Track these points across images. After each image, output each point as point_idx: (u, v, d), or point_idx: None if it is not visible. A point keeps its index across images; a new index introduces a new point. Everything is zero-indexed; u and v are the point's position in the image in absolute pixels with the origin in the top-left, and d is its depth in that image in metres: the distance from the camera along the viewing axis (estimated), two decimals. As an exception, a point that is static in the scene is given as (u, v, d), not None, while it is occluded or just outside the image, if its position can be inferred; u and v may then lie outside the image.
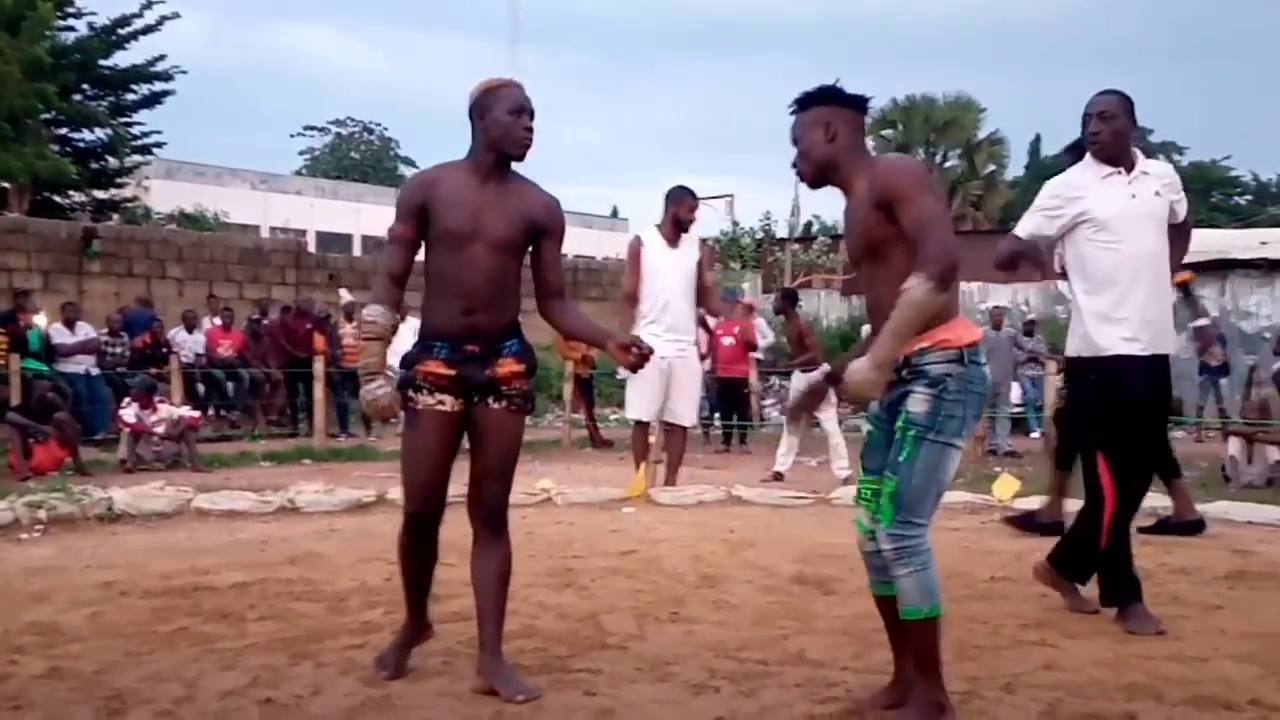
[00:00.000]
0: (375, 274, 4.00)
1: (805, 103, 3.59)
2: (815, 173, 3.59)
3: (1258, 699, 3.70)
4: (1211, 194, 49.28)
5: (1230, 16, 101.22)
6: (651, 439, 8.91)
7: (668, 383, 8.35)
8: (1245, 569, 5.87)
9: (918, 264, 3.24)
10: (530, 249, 3.93)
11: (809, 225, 35.23)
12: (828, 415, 10.27)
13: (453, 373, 3.83)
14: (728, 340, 14.09)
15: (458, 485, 3.90)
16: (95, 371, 13.71)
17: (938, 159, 41.24)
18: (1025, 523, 7.09)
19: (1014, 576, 5.62)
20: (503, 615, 3.95)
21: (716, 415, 14.98)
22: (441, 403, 3.85)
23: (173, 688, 3.82)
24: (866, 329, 3.84)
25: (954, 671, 3.98)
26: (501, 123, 3.79)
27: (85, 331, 13.92)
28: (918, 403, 3.36)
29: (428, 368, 3.85)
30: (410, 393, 3.87)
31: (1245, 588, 5.44)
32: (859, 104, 3.60)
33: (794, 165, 3.63)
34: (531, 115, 3.83)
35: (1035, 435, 15.13)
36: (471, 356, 3.83)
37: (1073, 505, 6.46)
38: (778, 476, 10.30)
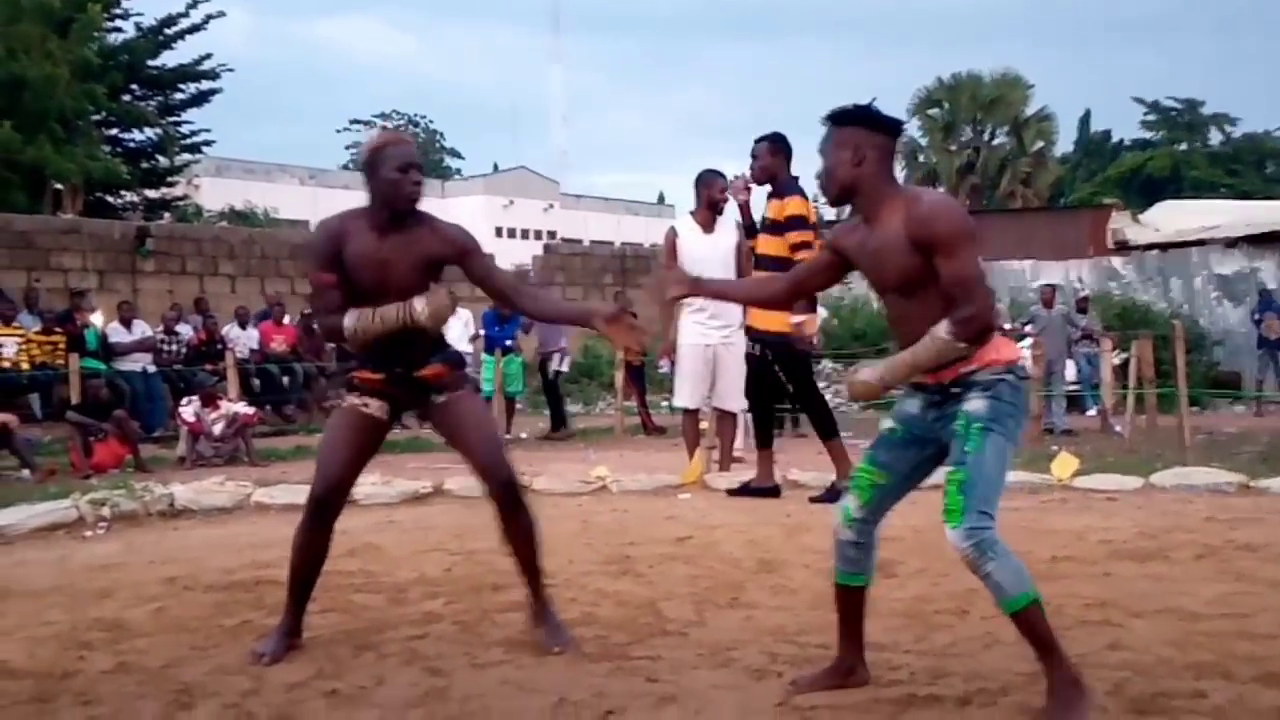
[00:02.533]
0: (319, 319, 4.13)
1: (838, 120, 3.55)
2: (838, 193, 3.57)
3: (1329, 676, 3.64)
4: (1266, 165, 48.58)
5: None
6: (703, 425, 8.90)
7: (714, 369, 8.32)
8: (1313, 544, 5.78)
9: (954, 317, 3.31)
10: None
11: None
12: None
13: (381, 375, 4.10)
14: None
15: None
16: (152, 369, 13.86)
17: (985, 136, 40.88)
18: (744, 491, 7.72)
19: (1076, 556, 5.57)
20: (539, 571, 4.21)
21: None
22: (366, 405, 4.13)
23: (239, 681, 3.84)
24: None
25: (1019, 653, 3.92)
26: (390, 180, 3.98)
27: (141, 330, 14.08)
28: (975, 402, 3.35)
29: (360, 373, 4.14)
30: (343, 391, 4.20)
31: (1314, 563, 5.36)
32: (892, 129, 3.58)
33: (818, 177, 3.62)
34: (420, 169, 4.06)
35: (1091, 413, 15.00)
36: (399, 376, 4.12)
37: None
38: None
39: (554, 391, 14.53)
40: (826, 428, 7.57)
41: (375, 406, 4.14)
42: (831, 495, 7.26)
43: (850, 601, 3.65)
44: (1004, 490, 3.38)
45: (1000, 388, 3.36)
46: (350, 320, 3.99)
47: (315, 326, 15.41)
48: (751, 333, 7.60)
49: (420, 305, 3.95)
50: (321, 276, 4.06)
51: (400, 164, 3.99)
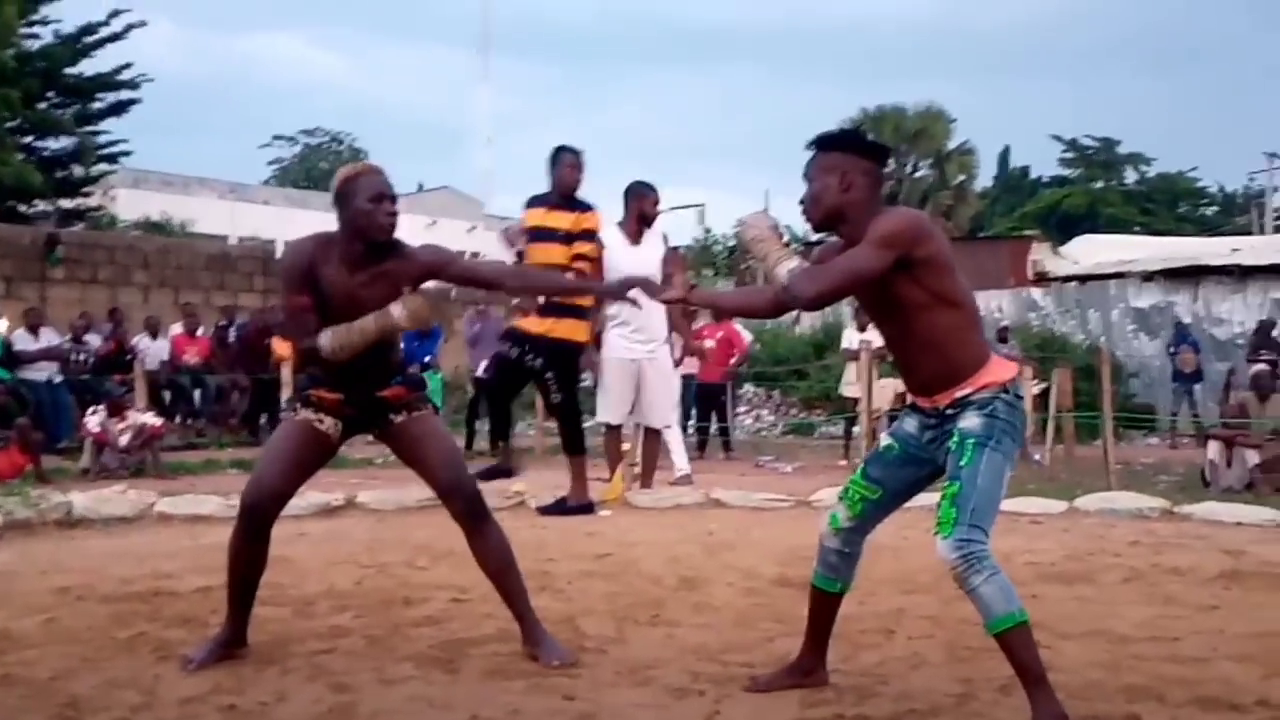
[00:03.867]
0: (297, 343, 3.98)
1: (824, 144, 3.48)
2: (823, 218, 3.48)
3: (1264, 699, 3.57)
4: (1179, 205, 49.54)
5: (1197, 26, 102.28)
6: (625, 446, 8.75)
7: (638, 385, 8.18)
8: (1239, 569, 5.75)
9: (799, 272, 3.36)
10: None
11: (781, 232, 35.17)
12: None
13: (339, 395, 4.00)
14: (709, 344, 13.85)
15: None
16: (58, 379, 13.45)
17: (908, 169, 41.28)
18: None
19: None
20: (523, 590, 4.12)
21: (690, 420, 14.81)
22: (320, 421, 4.02)
23: (130, 694, 3.63)
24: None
25: (948, 673, 3.88)
26: (363, 211, 3.88)
27: (48, 338, 13.66)
28: (971, 420, 3.30)
29: (318, 391, 4.01)
30: (297, 405, 4.06)
31: (1240, 588, 5.32)
32: (879, 154, 3.53)
33: (801, 203, 3.52)
34: (393, 200, 3.94)
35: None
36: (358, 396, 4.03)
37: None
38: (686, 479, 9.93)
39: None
40: (575, 444, 7.68)
41: (328, 424, 4.03)
42: (558, 507, 7.68)
43: (823, 605, 3.67)
44: (1000, 503, 3.29)
45: (996, 405, 3.32)
46: (326, 339, 3.84)
47: (274, 341, 15.13)
48: (521, 336, 7.57)
49: (398, 310, 3.85)
50: (297, 300, 3.91)
51: (373, 194, 3.88)
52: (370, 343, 3.85)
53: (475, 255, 45.00)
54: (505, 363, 7.69)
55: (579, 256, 7.48)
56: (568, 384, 7.61)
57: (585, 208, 7.62)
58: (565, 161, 7.68)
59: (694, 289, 4.09)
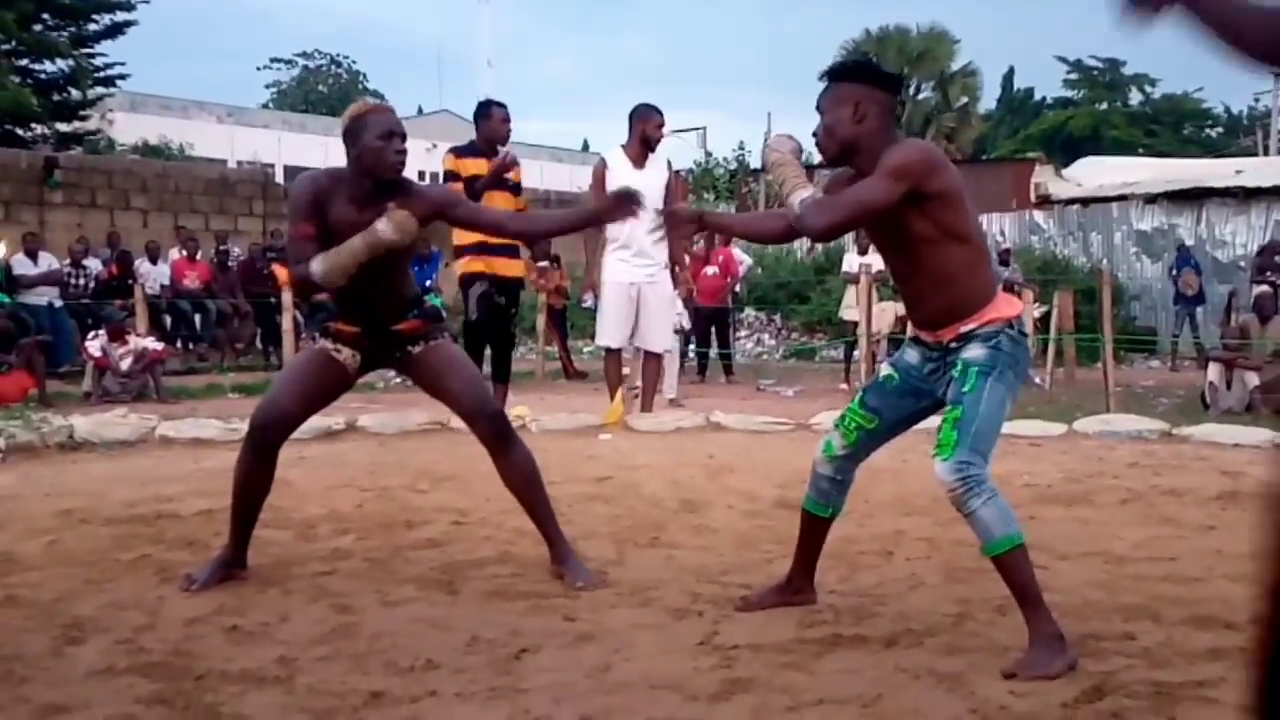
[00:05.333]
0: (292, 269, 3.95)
1: (837, 75, 3.44)
2: (837, 151, 3.44)
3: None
4: (1184, 126, 49.16)
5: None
6: (625, 370, 8.75)
7: (637, 309, 8.16)
8: (1236, 490, 5.77)
9: (809, 201, 3.32)
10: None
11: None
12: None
13: (356, 328, 4.03)
14: (710, 270, 13.81)
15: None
16: (59, 303, 13.45)
17: (911, 90, 40.92)
18: None
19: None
20: (550, 510, 4.17)
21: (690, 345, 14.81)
22: (338, 351, 4.05)
23: (134, 615, 3.66)
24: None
25: (945, 594, 3.90)
26: (372, 149, 3.87)
27: (48, 262, 13.65)
28: (976, 350, 3.30)
29: (336, 324, 4.05)
30: (317, 335, 4.11)
31: (1238, 509, 5.33)
32: (893, 84, 3.49)
33: (814, 135, 3.48)
34: (403, 138, 3.92)
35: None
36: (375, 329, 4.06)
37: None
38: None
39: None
40: (504, 373, 8.21)
41: (346, 355, 4.06)
42: None
43: (812, 528, 3.70)
44: (999, 432, 3.29)
45: (1000, 339, 3.31)
46: (317, 264, 3.82)
47: (283, 272, 15.10)
48: (493, 278, 7.91)
49: (382, 225, 3.81)
50: (302, 227, 3.89)
51: (382, 131, 3.86)
52: (359, 262, 3.81)
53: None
54: (493, 305, 7.91)
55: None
56: (509, 317, 8.21)
57: (514, 161, 7.93)
58: (496, 115, 7.92)
59: (704, 215, 4.07)
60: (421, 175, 44.46)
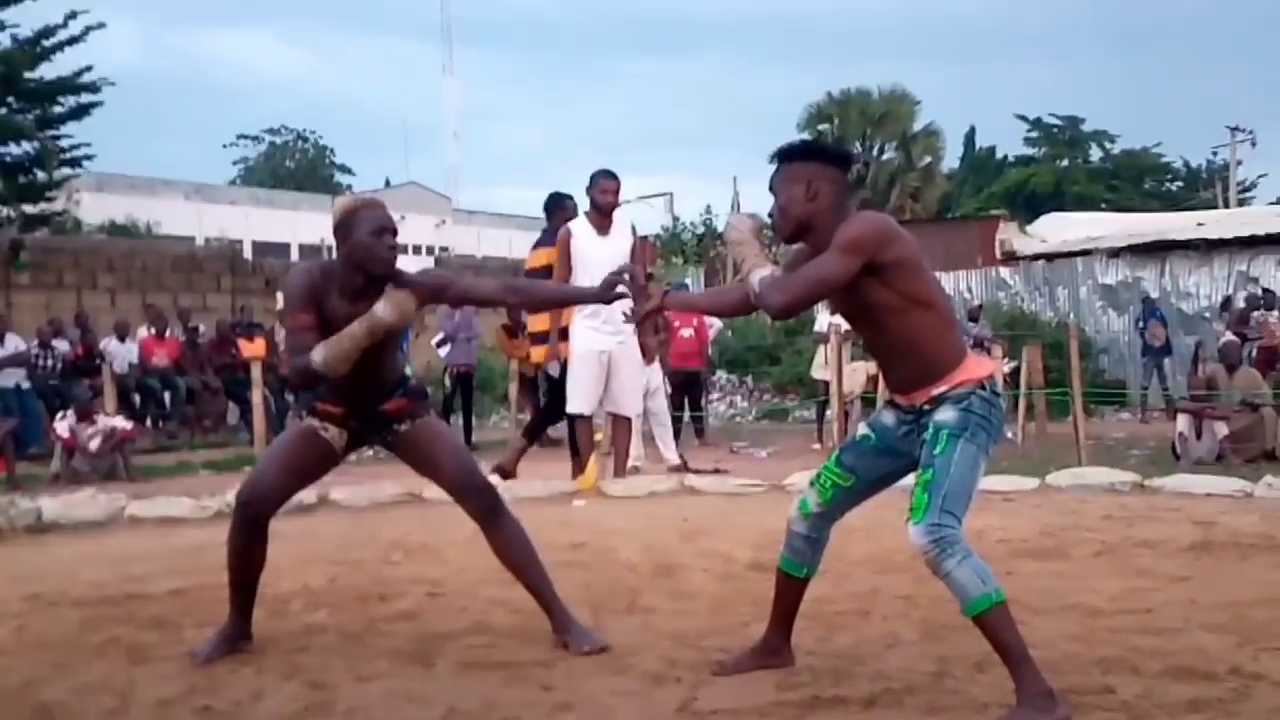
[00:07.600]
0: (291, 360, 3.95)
1: (788, 156, 3.49)
2: (793, 229, 3.48)
3: (1236, 668, 3.59)
4: (1144, 181, 49.75)
5: (1158, 2, 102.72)
6: (597, 436, 8.74)
7: (608, 374, 8.16)
8: (1209, 540, 5.79)
9: (768, 283, 3.38)
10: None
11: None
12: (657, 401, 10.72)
13: (342, 409, 4.03)
14: (686, 333, 13.80)
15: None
16: (26, 385, 13.34)
17: (874, 152, 41.29)
18: None
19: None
20: (546, 580, 4.16)
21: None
22: (325, 429, 4.05)
23: (104, 699, 3.60)
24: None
25: (923, 652, 3.88)
26: (364, 244, 3.88)
27: (15, 344, 13.54)
28: (947, 413, 3.32)
29: (323, 404, 4.04)
30: (304, 414, 4.09)
31: (1211, 559, 5.36)
32: (843, 161, 3.53)
33: (770, 216, 3.54)
34: (394, 233, 3.94)
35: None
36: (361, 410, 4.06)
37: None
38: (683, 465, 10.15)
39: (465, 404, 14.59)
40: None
41: (333, 433, 4.06)
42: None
43: (788, 587, 3.70)
44: (974, 494, 3.30)
45: (971, 400, 3.33)
46: (318, 354, 3.80)
47: (287, 371, 15.08)
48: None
49: (382, 307, 3.81)
50: (301, 318, 3.88)
51: (374, 228, 3.88)
52: (360, 347, 3.81)
53: (444, 250, 44.71)
54: (554, 383, 8.58)
55: None
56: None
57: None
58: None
59: (667, 294, 4.08)
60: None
